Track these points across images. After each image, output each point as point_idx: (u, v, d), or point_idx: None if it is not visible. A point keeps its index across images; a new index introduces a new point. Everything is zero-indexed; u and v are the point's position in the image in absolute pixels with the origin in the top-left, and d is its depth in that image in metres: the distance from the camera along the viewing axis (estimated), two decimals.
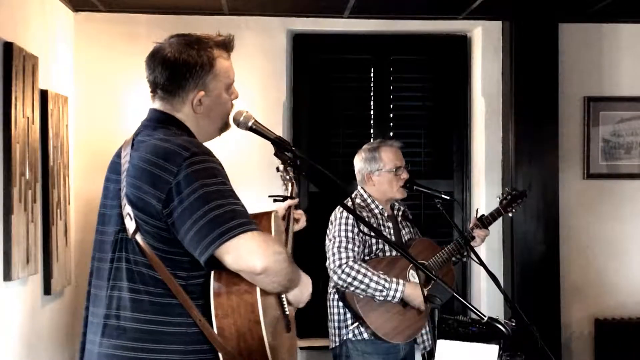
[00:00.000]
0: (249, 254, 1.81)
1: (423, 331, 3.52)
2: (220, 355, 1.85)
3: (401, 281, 3.33)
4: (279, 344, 2.00)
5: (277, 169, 2.69)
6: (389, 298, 3.32)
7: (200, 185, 1.83)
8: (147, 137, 1.98)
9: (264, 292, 1.89)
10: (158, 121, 2.03)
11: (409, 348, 3.52)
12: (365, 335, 3.39)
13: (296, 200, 2.52)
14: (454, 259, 3.60)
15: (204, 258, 1.82)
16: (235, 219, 1.82)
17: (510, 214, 3.67)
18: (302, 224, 2.61)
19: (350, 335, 3.41)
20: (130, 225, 1.88)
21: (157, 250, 1.88)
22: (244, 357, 1.85)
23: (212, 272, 1.87)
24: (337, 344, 3.45)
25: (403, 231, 3.61)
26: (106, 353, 1.90)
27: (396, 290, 3.31)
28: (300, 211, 2.60)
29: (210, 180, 1.85)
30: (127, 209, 1.89)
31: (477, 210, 3.80)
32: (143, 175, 1.88)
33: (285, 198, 2.52)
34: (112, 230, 1.95)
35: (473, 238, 3.54)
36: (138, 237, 1.87)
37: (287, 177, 2.61)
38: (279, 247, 1.88)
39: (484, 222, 3.58)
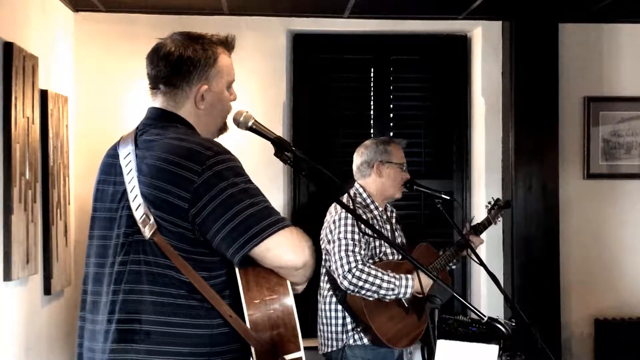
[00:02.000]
0: (290, 250, 1.83)
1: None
2: (252, 349, 1.83)
3: (409, 276, 3.28)
4: None
5: None
6: (401, 295, 3.27)
7: (229, 185, 1.82)
8: (157, 136, 1.94)
9: None
10: (163, 119, 2.00)
11: (400, 352, 3.50)
12: (365, 341, 3.34)
13: None
14: (447, 266, 3.62)
15: (239, 256, 1.81)
16: (271, 216, 1.83)
17: (495, 224, 3.79)
18: None
19: (351, 341, 3.35)
20: (149, 226, 1.83)
21: (180, 250, 1.84)
22: (277, 349, 1.85)
23: (237, 269, 1.86)
24: (334, 348, 3.38)
25: (396, 233, 3.59)
26: (125, 358, 1.85)
27: (407, 286, 3.25)
28: None
29: (238, 179, 1.84)
30: (143, 210, 1.84)
31: (472, 217, 3.83)
32: (163, 174, 1.85)
33: None
34: (120, 233, 1.90)
35: (470, 244, 3.55)
36: (157, 238, 1.83)
37: None
38: (310, 241, 1.90)
39: (477, 230, 3.65)
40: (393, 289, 3.24)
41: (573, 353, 4.69)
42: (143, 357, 1.84)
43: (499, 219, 3.78)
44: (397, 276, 3.27)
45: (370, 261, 3.35)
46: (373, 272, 3.22)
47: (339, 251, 3.26)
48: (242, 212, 1.80)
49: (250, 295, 1.85)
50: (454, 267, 3.78)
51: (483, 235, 3.75)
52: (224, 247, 1.83)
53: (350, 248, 3.26)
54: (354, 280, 3.20)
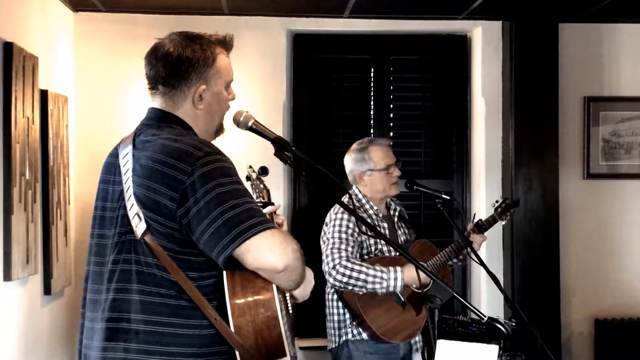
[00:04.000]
0: (270, 252, 1.81)
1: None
2: (237, 353, 1.84)
3: (398, 268, 3.30)
4: (288, 340, 2.00)
5: (248, 178, 2.67)
6: (391, 288, 3.28)
7: (215, 185, 1.82)
8: (153, 136, 1.95)
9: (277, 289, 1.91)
10: (161, 120, 2.01)
11: (407, 348, 3.52)
12: (365, 336, 3.38)
13: (278, 206, 2.51)
14: (451, 262, 3.61)
15: (222, 257, 1.81)
16: (253, 218, 1.82)
17: (503, 222, 3.71)
18: (285, 228, 2.61)
19: (350, 336, 3.39)
20: (140, 225, 1.85)
21: (169, 250, 1.85)
22: (262, 354, 1.84)
23: (225, 272, 1.86)
24: (337, 344, 3.43)
25: (399, 231, 3.60)
26: (115, 357, 1.86)
27: (396, 279, 3.27)
28: (282, 216, 2.60)
29: (225, 180, 1.84)
30: (136, 209, 1.86)
31: (474, 215, 3.82)
32: (154, 175, 1.86)
33: (265, 205, 2.52)
34: (115, 232, 1.92)
35: (471, 243, 3.55)
36: (148, 238, 1.85)
37: (261, 185, 2.62)
38: (296, 245, 1.88)
39: (481, 227, 3.61)
40: (380, 282, 3.26)
41: (573, 353, 4.69)
42: (132, 356, 1.86)
43: (507, 218, 3.68)
44: (385, 269, 3.29)
45: (366, 258, 3.38)
46: (357, 267, 3.26)
47: (327, 249, 3.35)
48: (225, 213, 1.80)
49: (235, 299, 1.85)
50: (459, 263, 3.74)
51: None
52: (208, 248, 1.83)
53: (337, 246, 3.32)
54: (338, 277, 3.26)
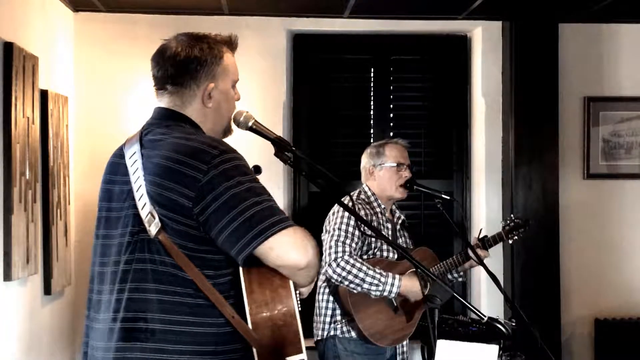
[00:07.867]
0: (293, 249, 1.82)
1: (404, 342, 3.51)
2: (254, 350, 1.83)
3: (397, 275, 3.30)
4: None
5: None
6: (386, 293, 3.28)
7: (235, 183, 1.82)
8: (163, 135, 1.95)
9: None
10: (169, 119, 2.01)
11: (393, 350, 3.50)
12: (353, 334, 3.36)
13: None
14: (450, 276, 3.60)
15: (244, 255, 1.81)
16: (275, 215, 1.83)
17: (510, 242, 3.64)
18: None
19: (338, 332, 3.37)
20: (154, 224, 1.84)
21: (185, 249, 1.84)
22: (279, 350, 1.84)
23: (241, 269, 1.86)
24: (323, 337, 3.41)
25: (400, 240, 3.58)
26: (131, 357, 1.85)
27: (392, 285, 3.27)
28: None
29: (244, 178, 1.85)
30: (149, 208, 1.85)
31: (480, 230, 3.78)
32: (168, 173, 1.85)
33: None
34: (126, 232, 1.90)
35: (473, 247, 3.55)
36: (162, 237, 1.84)
37: None
38: (314, 241, 1.89)
39: (485, 243, 3.57)
40: (377, 285, 3.26)
41: (573, 353, 4.69)
42: (149, 355, 1.84)
43: (515, 237, 3.61)
44: (384, 274, 3.29)
45: (365, 257, 3.37)
46: (358, 265, 3.26)
47: (330, 240, 3.33)
48: (246, 211, 1.80)
49: (252, 296, 1.85)
50: (459, 279, 3.70)
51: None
52: (228, 246, 1.83)
53: (342, 239, 3.31)
54: (338, 270, 3.25)
